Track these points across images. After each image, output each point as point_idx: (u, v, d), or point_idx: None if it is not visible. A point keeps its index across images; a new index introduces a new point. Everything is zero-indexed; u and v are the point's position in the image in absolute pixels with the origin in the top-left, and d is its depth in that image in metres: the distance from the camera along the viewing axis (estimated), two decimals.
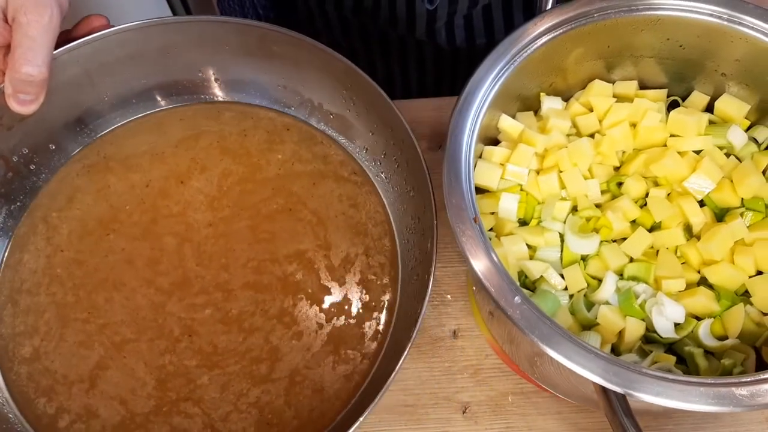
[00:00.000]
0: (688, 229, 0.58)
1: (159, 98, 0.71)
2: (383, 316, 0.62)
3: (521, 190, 0.60)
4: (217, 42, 0.67)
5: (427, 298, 0.53)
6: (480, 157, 0.61)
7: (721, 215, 0.59)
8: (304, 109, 0.71)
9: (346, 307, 0.62)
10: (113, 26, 0.63)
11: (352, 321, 0.61)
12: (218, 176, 0.67)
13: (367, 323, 0.61)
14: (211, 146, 0.69)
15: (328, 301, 0.62)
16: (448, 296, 0.66)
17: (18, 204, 0.67)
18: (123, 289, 0.64)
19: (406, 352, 0.52)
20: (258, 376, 0.60)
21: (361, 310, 0.62)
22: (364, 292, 0.62)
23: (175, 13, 0.86)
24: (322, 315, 0.62)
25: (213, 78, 0.71)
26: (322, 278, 0.63)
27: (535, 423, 0.61)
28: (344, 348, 0.60)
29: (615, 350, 0.56)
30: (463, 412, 0.61)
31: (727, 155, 0.61)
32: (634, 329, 0.54)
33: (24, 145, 0.66)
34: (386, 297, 0.62)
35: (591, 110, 0.63)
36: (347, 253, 0.64)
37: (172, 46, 0.67)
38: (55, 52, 0.61)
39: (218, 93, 0.72)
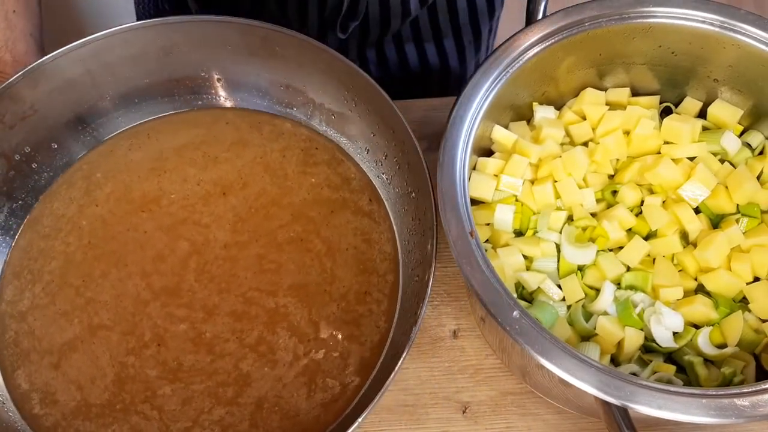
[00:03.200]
0: (684, 237, 0.58)
1: (161, 98, 0.71)
2: (370, 352, 0.60)
3: (516, 200, 0.60)
4: (220, 42, 0.67)
5: (426, 299, 0.53)
6: (474, 168, 0.61)
7: (716, 222, 0.59)
8: (305, 109, 0.71)
9: (331, 342, 0.61)
10: (114, 26, 0.63)
11: (335, 354, 0.60)
12: (254, 195, 0.67)
13: (353, 356, 0.60)
14: (255, 161, 0.69)
15: (311, 335, 0.61)
16: (448, 296, 0.66)
17: (20, 202, 0.67)
18: (122, 269, 0.64)
19: (406, 352, 0.52)
20: (224, 398, 0.59)
21: (347, 346, 0.61)
22: (354, 327, 0.61)
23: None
24: (301, 346, 0.60)
25: (215, 78, 0.71)
26: (313, 313, 0.62)
27: (535, 423, 0.61)
28: (322, 377, 0.59)
29: (614, 360, 0.55)
30: (463, 412, 0.61)
31: (722, 161, 0.61)
32: (633, 339, 0.54)
33: (26, 144, 0.66)
34: (378, 333, 0.61)
35: (584, 118, 0.63)
36: (348, 289, 0.63)
37: (174, 46, 0.67)
38: (56, 51, 0.61)
39: (221, 93, 0.72)
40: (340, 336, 0.61)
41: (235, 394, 0.59)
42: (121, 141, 0.71)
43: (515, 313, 0.48)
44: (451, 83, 0.95)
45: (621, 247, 0.57)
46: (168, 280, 0.64)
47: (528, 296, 0.58)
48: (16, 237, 0.67)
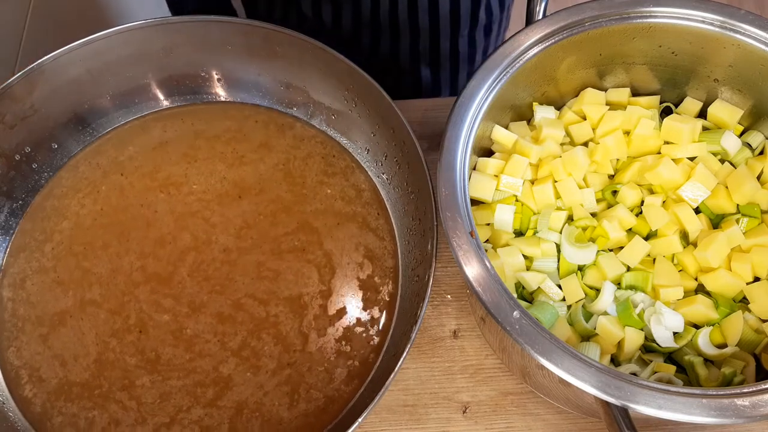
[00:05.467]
0: (684, 237, 0.58)
1: (161, 98, 0.72)
2: (360, 367, 0.60)
3: (516, 200, 0.60)
4: (220, 42, 0.68)
5: (426, 299, 0.53)
6: (474, 168, 0.61)
7: (716, 222, 0.59)
8: (306, 109, 0.71)
9: (318, 357, 0.60)
10: (115, 26, 0.64)
11: (320, 368, 0.60)
12: (266, 202, 0.67)
13: (340, 371, 0.60)
14: (277, 167, 0.69)
15: (298, 346, 0.61)
16: (448, 296, 0.66)
17: (20, 202, 0.67)
18: (123, 244, 0.65)
19: (406, 352, 0.52)
20: (203, 399, 0.59)
21: (334, 361, 0.60)
22: (344, 343, 0.61)
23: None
24: (287, 355, 0.60)
25: (216, 77, 0.71)
26: (304, 325, 0.61)
27: (535, 423, 0.61)
28: (305, 389, 0.59)
29: (614, 360, 0.55)
30: (463, 412, 0.61)
31: (722, 161, 0.61)
32: (633, 339, 0.54)
33: (26, 144, 0.67)
34: (370, 348, 0.61)
35: (584, 118, 0.63)
36: (344, 305, 0.62)
37: (175, 46, 0.68)
38: (56, 51, 0.62)
39: (221, 93, 0.72)
40: (328, 350, 0.61)
41: (214, 396, 0.59)
42: (154, 122, 0.71)
43: (515, 313, 0.48)
44: (403, 77, 0.96)
45: (621, 247, 0.57)
46: (162, 268, 0.64)
47: (528, 296, 0.58)
48: (36, 199, 0.68)
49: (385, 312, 0.62)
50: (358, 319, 0.62)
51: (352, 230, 0.65)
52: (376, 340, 0.61)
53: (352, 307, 0.62)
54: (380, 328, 0.61)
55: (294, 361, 0.60)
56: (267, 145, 0.70)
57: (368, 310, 0.62)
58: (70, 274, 0.64)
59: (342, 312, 0.62)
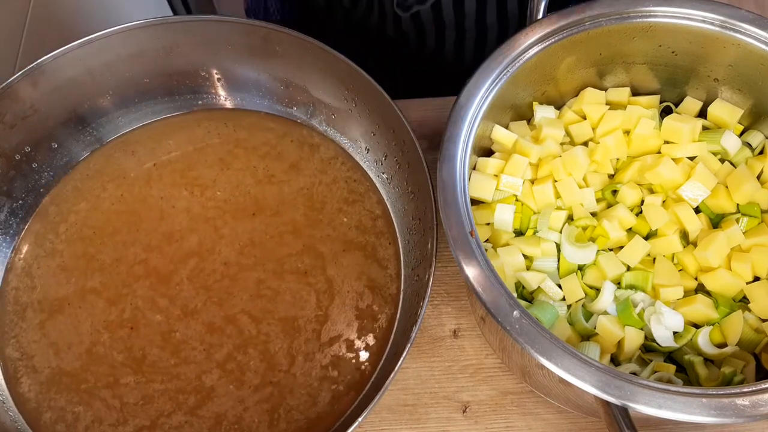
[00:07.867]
0: (684, 237, 0.58)
1: (161, 97, 0.72)
2: (345, 390, 0.60)
3: (516, 200, 0.60)
4: (220, 42, 0.68)
5: (426, 298, 0.53)
6: (474, 168, 0.61)
7: (716, 221, 0.59)
8: (306, 108, 0.71)
9: (302, 380, 0.60)
10: (115, 25, 0.64)
11: (302, 391, 0.59)
12: (282, 224, 0.66)
13: (323, 395, 0.59)
14: (301, 192, 0.68)
15: (284, 367, 0.60)
16: (448, 296, 0.66)
17: (20, 202, 0.67)
18: (132, 233, 0.65)
19: (406, 352, 0.52)
20: (184, 406, 0.59)
21: (317, 386, 0.60)
22: (331, 369, 0.60)
23: (175, 12, 0.88)
24: (270, 374, 0.60)
25: (215, 77, 0.71)
26: (293, 347, 0.61)
27: (535, 422, 0.61)
28: (286, 410, 0.59)
29: (614, 360, 0.55)
30: (464, 412, 0.61)
31: (722, 161, 0.61)
32: (633, 339, 0.54)
33: (26, 144, 0.67)
34: (359, 373, 0.60)
35: (584, 118, 0.63)
36: (339, 333, 0.62)
37: (174, 46, 0.68)
38: (56, 51, 0.62)
39: (221, 92, 0.72)
40: (314, 375, 0.60)
41: (195, 404, 0.59)
42: (197, 121, 0.71)
43: (515, 312, 0.48)
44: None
45: (621, 247, 0.57)
46: (164, 265, 0.64)
47: (528, 296, 0.58)
48: (59, 182, 0.69)
49: (380, 340, 0.61)
50: (350, 347, 0.61)
51: (358, 258, 0.65)
52: (367, 367, 0.60)
53: (346, 334, 0.62)
54: (372, 355, 0.61)
55: (278, 381, 0.60)
56: (297, 167, 0.69)
57: (362, 338, 0.62)
58: (76, 260, 0.65)
59: (334, 339, 0.62)
